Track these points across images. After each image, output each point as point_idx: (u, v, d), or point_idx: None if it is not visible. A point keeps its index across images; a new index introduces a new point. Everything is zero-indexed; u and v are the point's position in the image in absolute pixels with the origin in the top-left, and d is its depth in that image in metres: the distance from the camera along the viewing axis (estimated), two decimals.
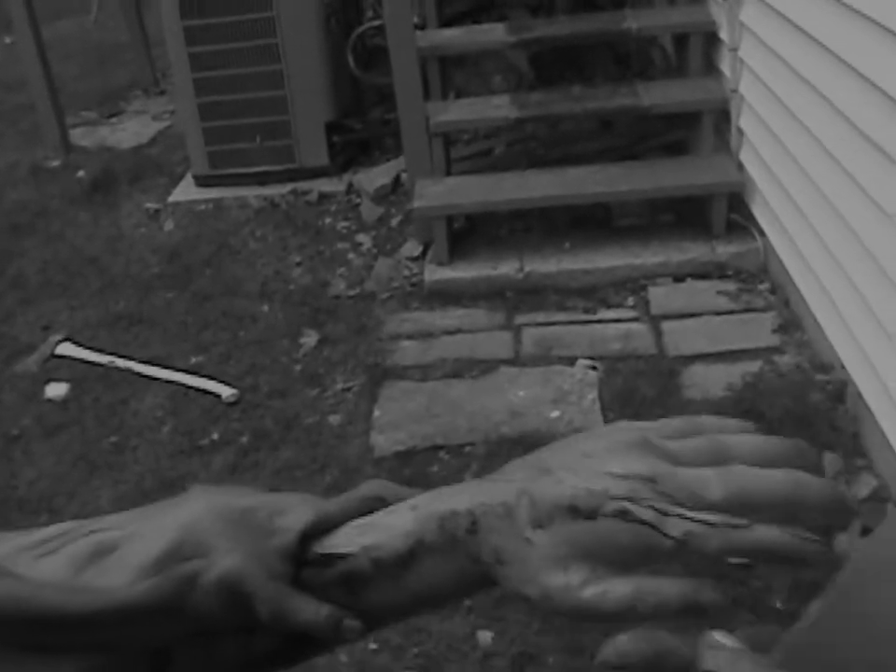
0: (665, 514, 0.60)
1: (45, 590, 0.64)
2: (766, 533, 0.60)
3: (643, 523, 0.60)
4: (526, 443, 3.62)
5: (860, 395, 3.47)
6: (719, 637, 0.56)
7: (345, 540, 0.67)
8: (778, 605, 2.92)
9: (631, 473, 0.61)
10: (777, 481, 0.62)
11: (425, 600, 0.66)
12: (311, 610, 0.65)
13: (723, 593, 0.60)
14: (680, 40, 5.35)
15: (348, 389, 4.20)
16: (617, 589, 0.60)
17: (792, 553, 0.60)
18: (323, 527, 0.68)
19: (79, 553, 0.66)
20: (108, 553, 0.66)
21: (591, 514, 0.60)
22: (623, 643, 0.56)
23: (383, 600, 0.66)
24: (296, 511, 0.68)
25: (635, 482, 0.61)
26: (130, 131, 7.43)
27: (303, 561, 0.67)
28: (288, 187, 5.89)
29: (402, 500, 0.68)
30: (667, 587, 0.60)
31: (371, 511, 0.68)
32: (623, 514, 0.60)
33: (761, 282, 4.52)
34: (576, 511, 0.61)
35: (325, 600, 0.66)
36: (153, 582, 0.64)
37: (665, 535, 0.60)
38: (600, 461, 0.62)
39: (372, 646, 2.96)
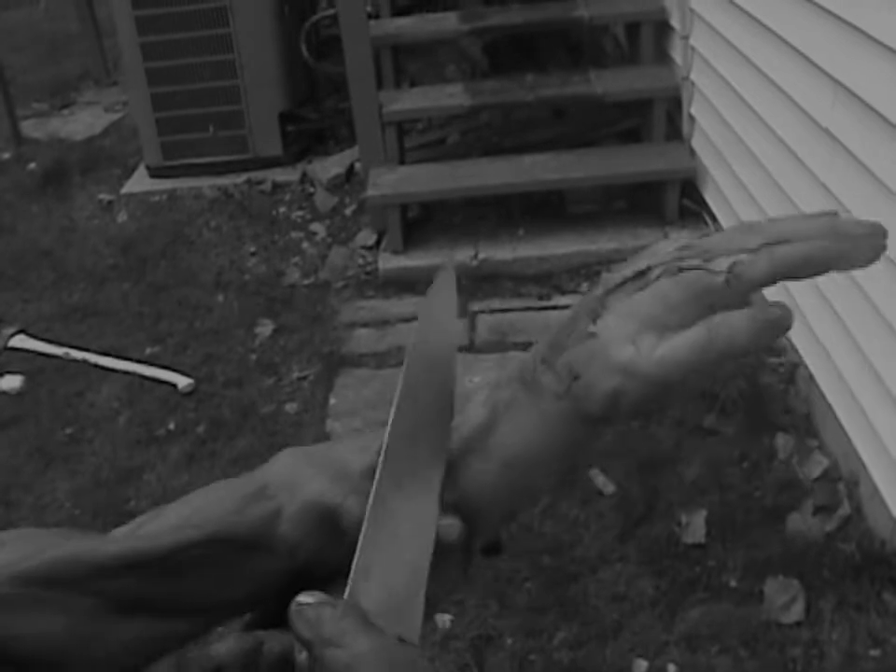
0: (710, 260, 0.61)
1: (112, 542, 0.64)
2: (810, 243, 0.60)
3: (691, 269, 0.60)
4: None
5: (811, 377, 3.51)
6: (302, 597, 0.57)
7: None
8: (733, 583, 2.96)
9: (671, 247, 0.62)
10: (812, 225, 0.61)
11: (519, 467, 0.65)
12: None
13: (786, 307, 0.60)
14: (632, 28, 5.38)
15: (304, 378, 4.20)
16: (688, 335, 0.60)
17: (842, 254, 0.60)
18: None
19: (173, 517, 0.67)
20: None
21: (642, 284, 0.61)
22: (217, 650, 0.57)
23: (477, 483, 0.65)
24: (374, 441, 0.67)
25: (675, 251, 0.62)
26: (82, 122, 7.39)
27: None
28: (243, 177, 5.88)
29: None
30: (734, 317, 0.60)
31: None
32: (671, 271, 0.61)
33: None
34: (625, 287, 0.62)
35: None
36: (239, 517, 0.65)
37: (714, 273, 0.60)
38: (642, 258, 0.64)
39: None
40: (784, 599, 2.84)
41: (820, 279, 2.66)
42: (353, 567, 0.60)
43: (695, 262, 0.60)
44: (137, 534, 0.66)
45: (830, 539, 3.01)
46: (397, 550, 0.61)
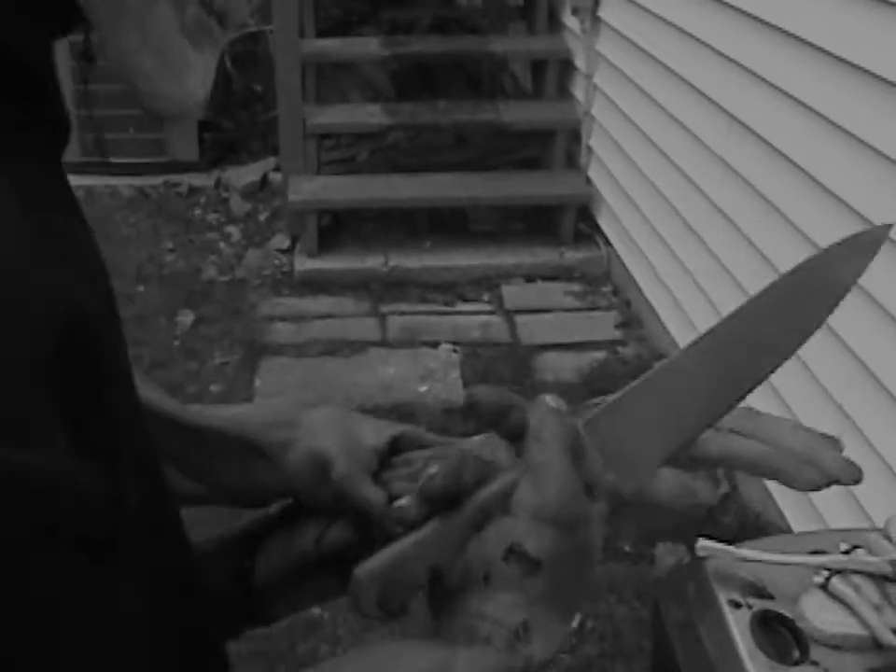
0: None
1: (169, 401, 0.84)
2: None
3: None
4: (400, 412, 3.98)
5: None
6: (547, 398, 0.63)
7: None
8: (627, 548, 3.35)
9: None
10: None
11: None
12: (373, 493, 0.78)
13: None
14: (537, 66, 5.83)
15: (226, 363, 4.48)
16: None
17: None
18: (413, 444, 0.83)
19: (232, 409, 0.90)
20: None
21: None
22: (480, 390, 0.64)
23: None
24: (390, 428, 0.83)
25: None
26: None
27: (388, 463, 0.81)
28: (159, 178, 6.13)
29: None
30: None
31: None
32: None
33: (604, 285, 5.00)
34: None
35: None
36: (265, 430, 0.82)
37: None
38: None
39: None
40: (672, 560, 3.25)
41: (708, 283, 3.04)
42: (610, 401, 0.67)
43: None
44: (191, 408, 0.84)
45: (711, 512, 3.43)
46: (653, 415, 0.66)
